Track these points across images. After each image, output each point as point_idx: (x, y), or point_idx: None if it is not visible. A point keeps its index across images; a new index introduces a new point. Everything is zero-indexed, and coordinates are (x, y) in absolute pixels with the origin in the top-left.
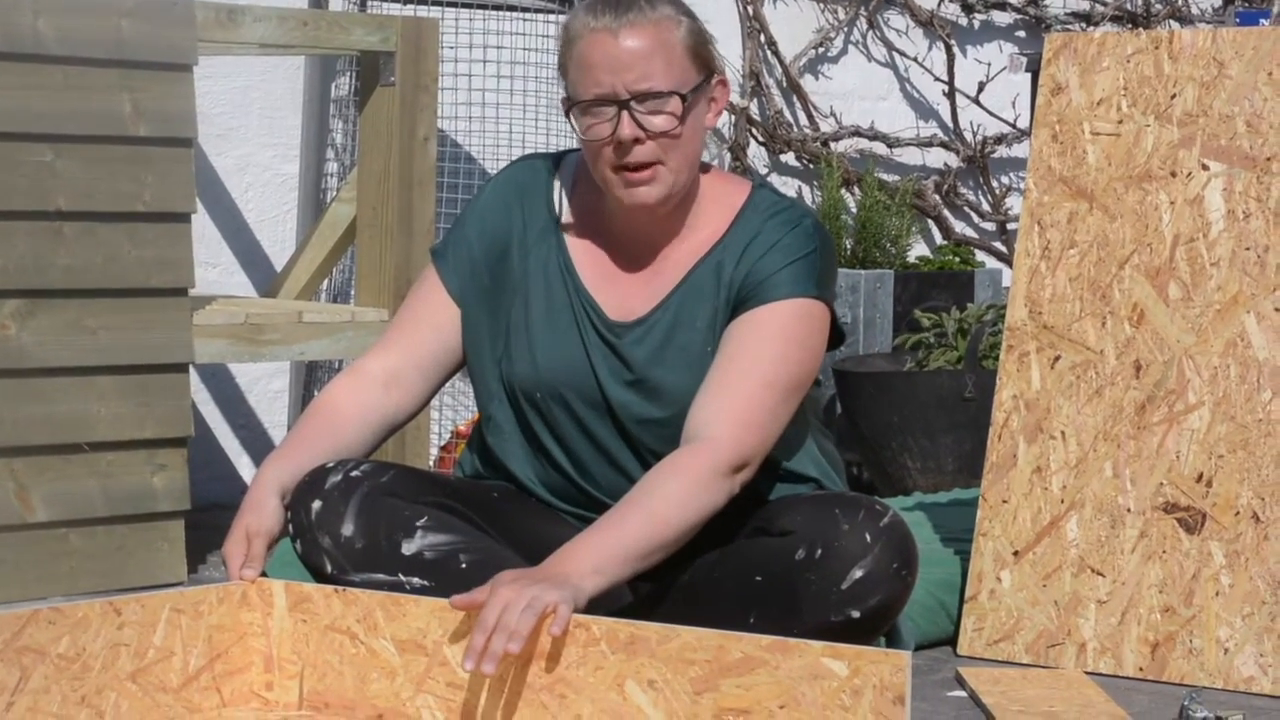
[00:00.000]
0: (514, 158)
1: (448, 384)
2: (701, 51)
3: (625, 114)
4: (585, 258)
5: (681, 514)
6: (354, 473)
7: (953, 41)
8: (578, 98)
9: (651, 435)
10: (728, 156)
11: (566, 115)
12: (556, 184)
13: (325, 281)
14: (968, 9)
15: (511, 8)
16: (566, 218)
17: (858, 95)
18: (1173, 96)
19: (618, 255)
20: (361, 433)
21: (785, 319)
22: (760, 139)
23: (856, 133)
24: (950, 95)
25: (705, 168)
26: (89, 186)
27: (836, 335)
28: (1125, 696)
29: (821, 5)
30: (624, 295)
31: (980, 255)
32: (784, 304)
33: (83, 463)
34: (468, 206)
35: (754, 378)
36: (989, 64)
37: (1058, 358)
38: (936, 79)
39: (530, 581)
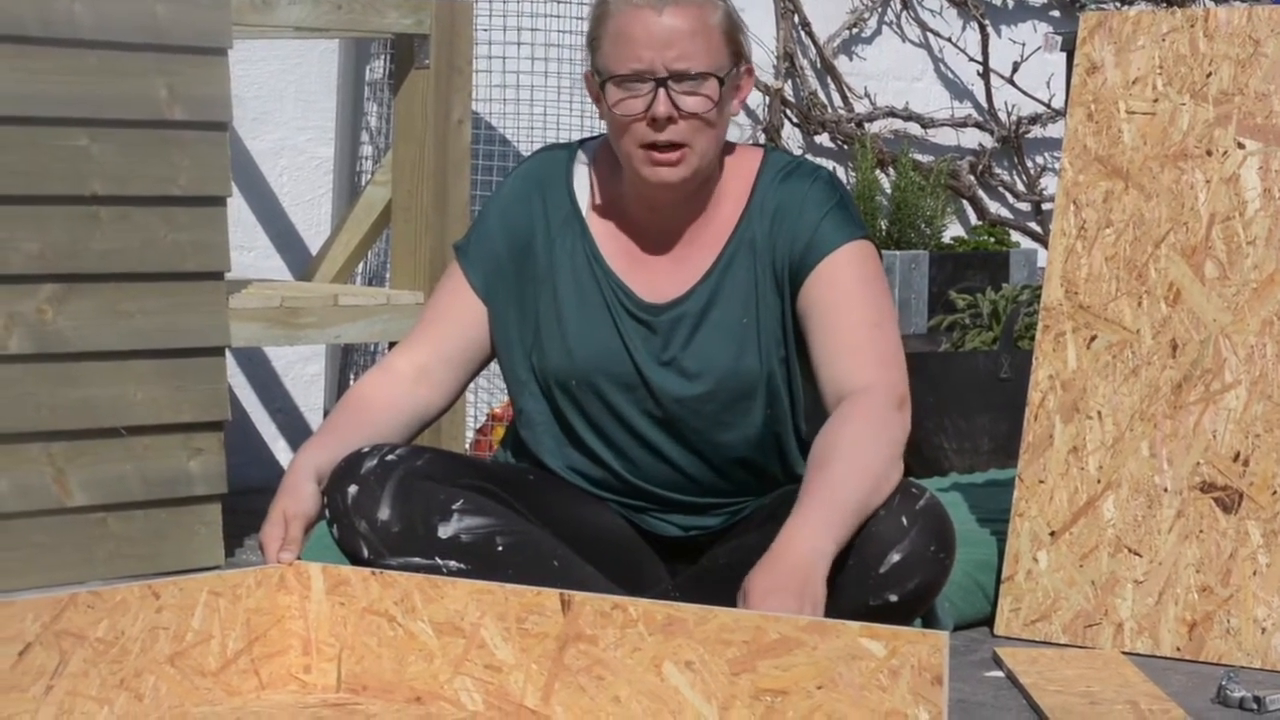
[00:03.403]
0: (548, 139)
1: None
2: (735, 37)
3: (662, 91)
4: (611, 243)
5: (877, 457)
6: (389, 457)
7: (987, 21)
8: (612, 71)
9: (690, 413)
10: (762, 137)
11: (600, 87)
12: (577, 172)
13: (360, 265)
14: None
15: None
16: (589, 205)
17: (892, 76)
18: (1208, 75)
19: (643, 239)
20: (394, 425)
21: (851, 263)
22: (794, 120)
23: (891, 113)
24: (985, 75)
25: (729, 147)
26: (124, 171)
27: None
28: (1163, 676)
29: None
30: (654, 278)
31: (1015, 235)
32: (841, 251)
33: (120, 447)
34: (488, 202)
35: (860, 325)
36: (1023, 44)
37: (1094, 337)
38: (971, 59)
39: (776, 593)
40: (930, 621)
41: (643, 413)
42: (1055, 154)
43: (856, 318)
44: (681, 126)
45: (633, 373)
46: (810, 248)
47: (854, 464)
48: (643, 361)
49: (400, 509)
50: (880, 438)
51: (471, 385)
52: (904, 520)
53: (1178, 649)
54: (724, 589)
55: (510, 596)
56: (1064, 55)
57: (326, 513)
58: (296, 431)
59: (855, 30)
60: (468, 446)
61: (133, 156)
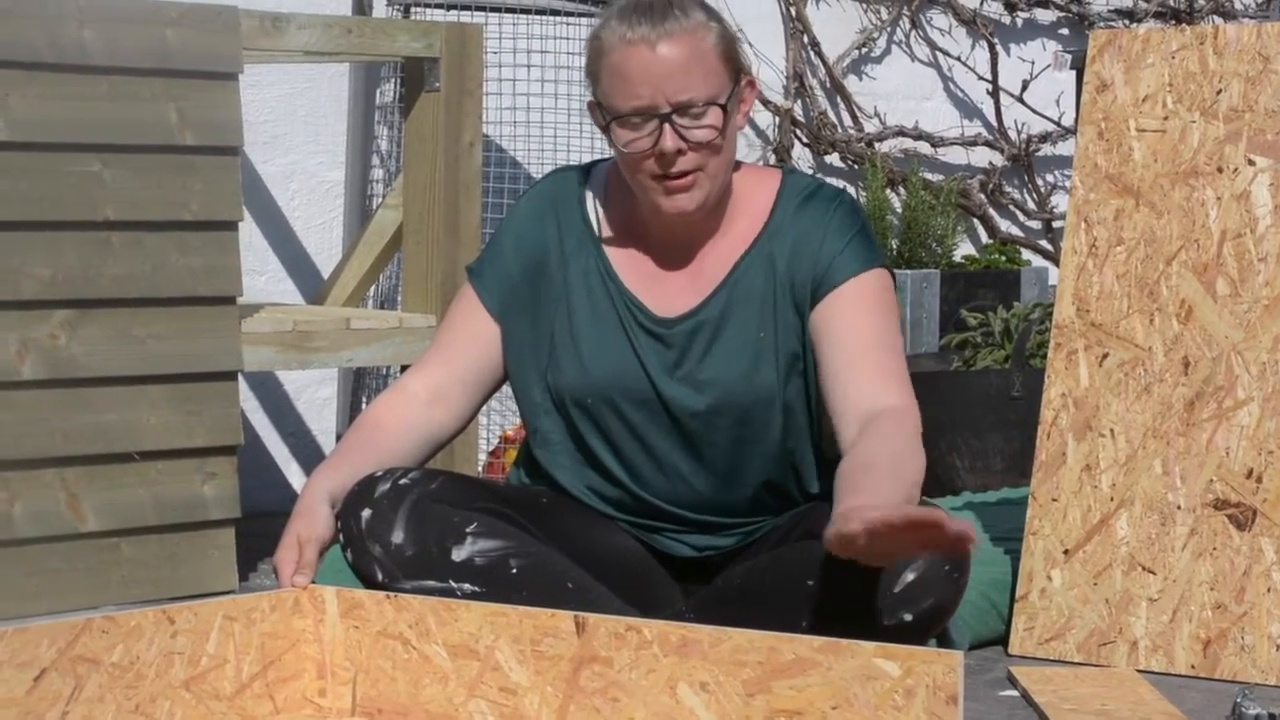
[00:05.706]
0: (559, 161)
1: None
2: (732, 54)
3: (667, 126)
4: (625, 262)
5: (915, 475)
6: (403, 481)
7: (996, 40)
8: (615, 110)
9: (705, 426)
10: (772, 158)
11: (604, 126)
12: (589, 194)
13: (372, 288)
14: (1010, 7)
15: (555, 12)
16: (602, 226)
17: (901, 95)
18: (1218, 92)
19: (657, 258)
20: (407, 447)
21: (871, 290)
22: (804, 140)
23: (901, 133)
24: (994, 94)
25: (736, 165)
26: (136, 196)
27: None
28: (1178, 694)
29: (864, 5)
30: (668, 294)
31: (1026, 254)
32: (862, 278)
33: (133, 472)
34: (502, 224)
35: (881, 347)
36: (1032, 62)
37: (1106, 355)
38: (980, 78)
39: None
40: (945, 641)
41: (658, 429)
42: (1065, 172)
43: (874, 340)
44: (691, 155)
45: (647, 388)
46: (831, 271)
47: (899, 474)
48: (657, 376)
49: (414, 532)
50: (915, 459)
51: (484, 408)
52: None
53: (1192, 667)
54: (738, 609)
55: (524, 619)
56: (1073, 73)
57: (340, 537)
58: (309, 455)
59: (864, 50)
60: (480, 469)
61: (145, 182)
